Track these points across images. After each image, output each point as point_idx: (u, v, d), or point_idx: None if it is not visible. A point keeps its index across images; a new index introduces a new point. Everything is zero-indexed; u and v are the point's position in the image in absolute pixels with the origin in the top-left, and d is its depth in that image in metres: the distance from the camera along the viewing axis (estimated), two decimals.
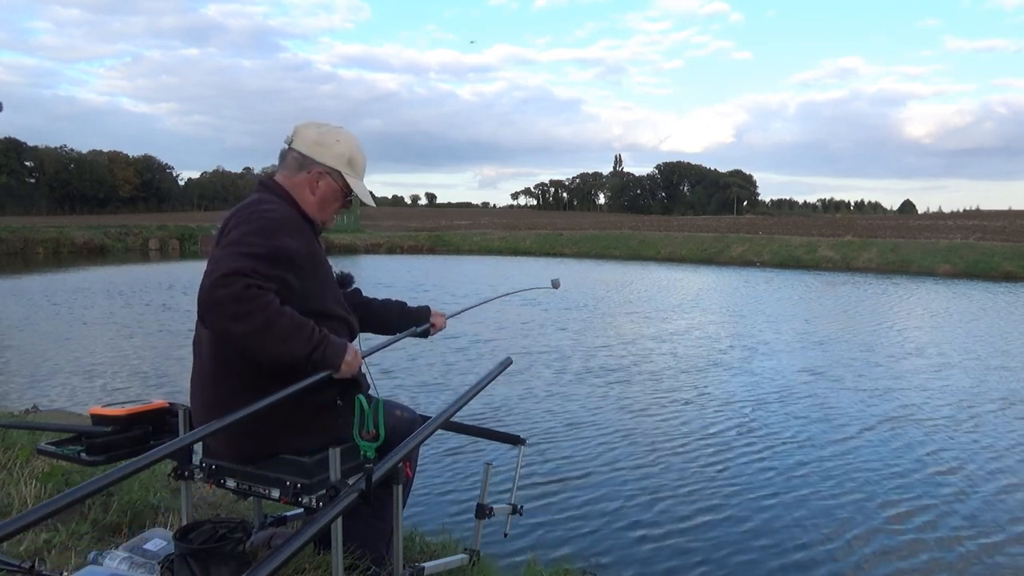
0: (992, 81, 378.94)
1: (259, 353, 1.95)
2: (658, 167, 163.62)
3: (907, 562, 4.42)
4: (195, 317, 2.27)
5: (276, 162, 2.35)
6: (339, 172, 2.25)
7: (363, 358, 2.20)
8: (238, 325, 1.87)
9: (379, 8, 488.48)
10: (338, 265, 2.49)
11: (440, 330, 2.80)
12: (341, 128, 2.29)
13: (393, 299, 2.78)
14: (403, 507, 2.22)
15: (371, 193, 2.47)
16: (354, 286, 2.60)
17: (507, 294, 3.89)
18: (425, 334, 2.75)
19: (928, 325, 14.62)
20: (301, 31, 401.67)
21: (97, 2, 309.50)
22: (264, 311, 1.87)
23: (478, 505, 2.74)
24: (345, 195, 2.31)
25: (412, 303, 2.82)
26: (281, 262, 2.01)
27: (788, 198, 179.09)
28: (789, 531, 4.79)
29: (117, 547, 2.20)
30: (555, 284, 3.55)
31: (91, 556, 2.17)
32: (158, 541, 2.21)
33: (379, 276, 25.49)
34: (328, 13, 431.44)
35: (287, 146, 2.26)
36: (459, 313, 3.07)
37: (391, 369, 9.22)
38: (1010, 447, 6.56)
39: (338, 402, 2.21)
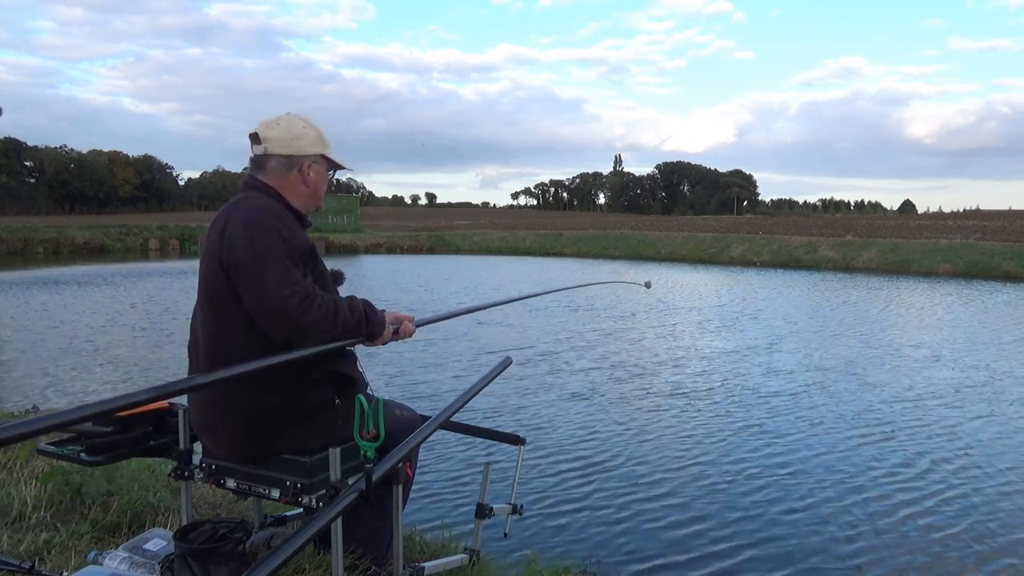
0: (995, 81, 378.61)
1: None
2: (658, 167, 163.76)
3: None
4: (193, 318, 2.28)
5: None
6: (321, 155, 2.31)
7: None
8: (322, 336, 2.06)
9: (383, 8, 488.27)
10: (341, 266, 2.50)
11: (404, 337, 2.41)
12: (290, 113, 2.31)
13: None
14: (403, 507, 2.22)
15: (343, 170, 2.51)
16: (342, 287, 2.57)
17: (599, 283, 4.30)
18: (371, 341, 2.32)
19: None
20: (304, 31, 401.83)
21: (100, 1, 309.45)
22: (337, 319, 2.08)
23: (478, 505, 2.74)
24: (329, 172, 2.39)
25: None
26: (303, 257, 2.11)
27: (788, 198, 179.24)
28: (780, 526, 4.80)
29: (117, 547, 2.21)
30: (647, 285, 3.95)
31: (91, 556, 2.17)
32: (158, 541, 2.21)
33: (408, 279, 25.40)
34: (332, 13, 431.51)
35: (262, 153, 2.23)
36: (480, 309, 3.15)
37: (391, 369, 9.22)
38: None
39: (337, 401, 2.21)
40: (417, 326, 2.45)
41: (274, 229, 2.06)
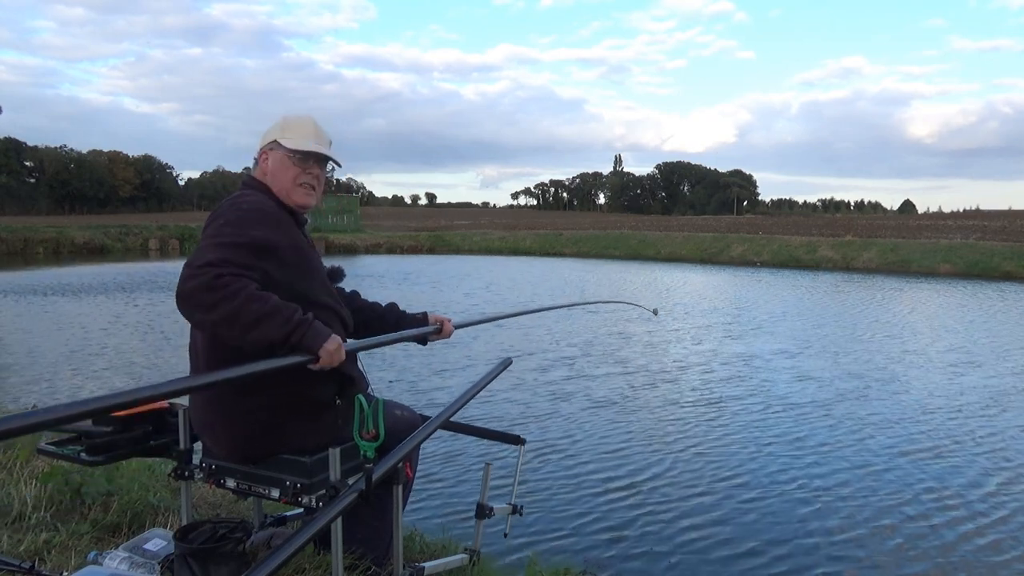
0: (996, 81, 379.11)
1: (236, 340, 1.89)
2: (658, 167, 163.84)
3: None
4: None
5: None
6: (274, 141, 2.28)
7: (354, 352, 2.14)
8: (209, 314, 1.85)
9: (384, 8, 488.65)
10: (340, 266, 2.50)
11: (445, 337, 2.61)
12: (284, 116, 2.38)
13: (392, 303, 2.69)
14: (403, 507, 2.22)
15: (335, 162, 2.40)
16: (343, 283, 2.57)
17: (608, 301, 4.32)
18: (424, 340, 2.59)
19: None
20: (305, 31, 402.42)
21: (101, 1, 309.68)
22: (235, 298, 1.83)
23: (478, 505, 2.74)
24: (298, 159, 2.26)
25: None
26: (260, 252, 1.99)
27: (788, 198, 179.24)
28: (796, 531, 4.79)
29: (117, 547, 2.21)
30: (655, 312, 4.16)
31: (91, 556, 2.17)
32: (158, 541, 2.21)
33: (419, 279, 25.32)
34: (333, 13, 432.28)
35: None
36: (485, 322, 3.16)
37: (391, 369, 9.22)
38: None
39: (337, 401, 2.21)
40: (456, 328, 2.65)
41: (234, 218, 2.05)
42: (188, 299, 1.86)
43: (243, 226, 2.01)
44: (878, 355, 11.07)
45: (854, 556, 4.44)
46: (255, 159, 2.35)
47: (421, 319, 2.62)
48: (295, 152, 2.26)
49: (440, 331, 2.58)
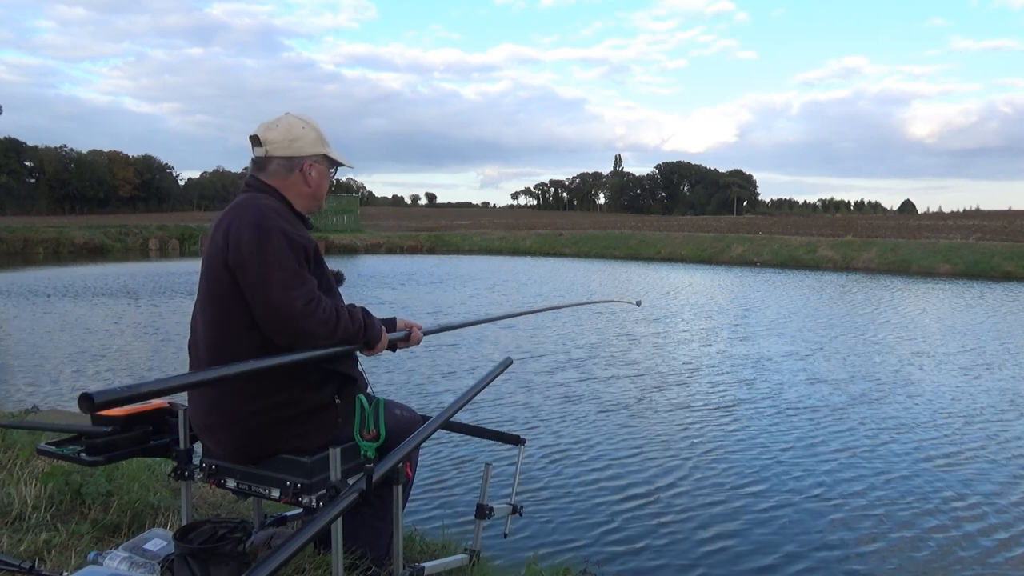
0: (997, 81, 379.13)
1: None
2: (658, 167, 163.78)
3: None
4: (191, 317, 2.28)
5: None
6: (322, 155, 2.32)
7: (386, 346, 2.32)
8: (323, 341, 2.09)
9: (385, 7, 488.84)
10: (340, 267, 2.50)
11: (414, 344, 2.48)
12: (288, 114, 2.32)
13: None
14: (403, 507, 2.22)
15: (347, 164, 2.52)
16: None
17: (589, 302, 4.36)
18: (393, 346, 2.41)
19: None
20: (306, 31, 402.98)
21: (102, 1, 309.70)
22: (338, 325, 2.10)
23: (478, 505, 2.74)
24: (332, 170, 2.42)
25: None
26: (309, 258, 2.13)
27: (788, 198, 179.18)
28: (812, 541, 4.79)
29: (117, 547, 2.21)
30: (638, 304, 4.25)
31: (91, 556, 2.17)
32: (158, 541, 2.21)
33: (422, 279, 25.31)
34: (333, 12, 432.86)
35: (263, 155, 2.25)
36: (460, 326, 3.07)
37: (396, 371, 9.21)
38: None
39: (337, 401, 2.21)
40: (425, 334, 2.54)
41: (281, 229, 2.07)
42: (312, 334, 2.05)
43: (296, 237, 2.10)
44: (890, 357, 10.95)
45: (873, 566, 4.36)
46: (281, 164, 2.24)
47: (389, 324, 2.46)
48: (336, 164, 2.40)
49: (408, 338, 2.44)
